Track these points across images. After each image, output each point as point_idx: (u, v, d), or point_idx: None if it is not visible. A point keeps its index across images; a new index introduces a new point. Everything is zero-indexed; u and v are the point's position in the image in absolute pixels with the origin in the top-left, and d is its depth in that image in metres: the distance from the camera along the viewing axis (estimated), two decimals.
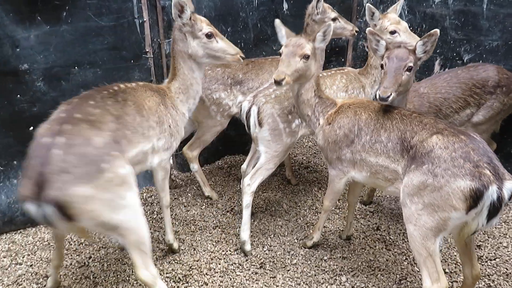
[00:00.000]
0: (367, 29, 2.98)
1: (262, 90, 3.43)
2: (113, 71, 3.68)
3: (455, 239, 2.55)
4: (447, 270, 3.16)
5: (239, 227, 3.61)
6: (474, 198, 2.22)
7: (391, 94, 2.64)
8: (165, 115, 2.86)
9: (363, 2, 5.08)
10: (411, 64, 2.76)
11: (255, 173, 3.37)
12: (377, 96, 2.69)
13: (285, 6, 4.57)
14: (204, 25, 2.95)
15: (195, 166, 3.92)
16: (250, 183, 3.34)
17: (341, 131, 2.84)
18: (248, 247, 3.34)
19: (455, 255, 3.29)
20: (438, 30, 2.80)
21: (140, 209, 2.32)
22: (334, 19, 3.76)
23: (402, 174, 2.57)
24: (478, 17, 4.05)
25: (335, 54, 5.11)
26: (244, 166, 3.72)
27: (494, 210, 2.24)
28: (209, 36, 2.94)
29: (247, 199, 3.34)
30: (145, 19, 3.71)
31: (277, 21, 3.04)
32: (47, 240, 3.47)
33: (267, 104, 3.29)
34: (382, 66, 2.84)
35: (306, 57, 2.79)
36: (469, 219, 2.31)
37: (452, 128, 2.51)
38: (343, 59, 5.26)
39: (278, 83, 2.69)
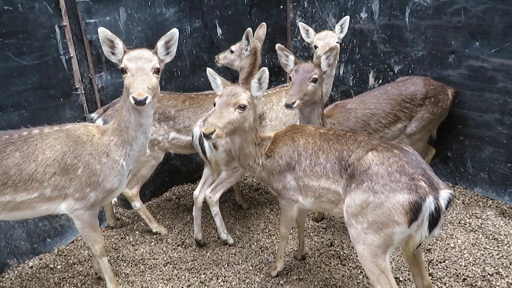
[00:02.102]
0: (277, 45, 3.15)
1: (211, 113, 3.37)
2: (41, 111, 3.47)
3: (403, 253, 2.56)
4: (401, 278, 3.19)
5: (191, 261, 3.51)
6: (414, 211, 2.24)
7: (295, 101, 2.88)
8: (72, 165, 2.62)
9: (296, 22, 5.22)
10: (316, 76, 2.99)
11: (216, 186, 3.49)
12: (283, 103, 2.90)
13: (219, 31, 4.58)
14: (124, 59, 2.53)
15: (137, 204, 3.75)
16: (212, 195, 3.48)
17: (283, 160, 2.80)
18: (231, 241, 3.69)
19: None
20: (338, 45, 3.19)
21: None
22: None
23: (343, 194, 2.54)
24: (402, 29, 4.27)
25: (274, 74, 5.18)
26: (196, 192, 3.64)
27: (434, 220, 2.27)
28: (122, 71, 2.54)
29: (214, 209, 3.54)
30: (72, 55, 3.56)
31: (210, 70, 2.84)
32: None
33: None
34: (290, 78, 3.04)
35: (242, 107, 2.63)
36: (412, 232, 2.33)
37: (386, 143, 2.55)
38: (282, 78, 5.34)
39: (206, 136, 2.53)
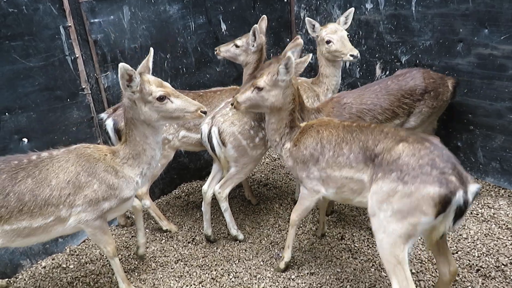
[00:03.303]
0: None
1: (218, 110, 3.42)
2: (48, 112, 3.49)
3: (427, 243, 2.58)
4: (413, 271, 3.16)
5: (202, 258, 3.52)
6: (443, 204, 2.27)
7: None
8: (87, 183, 2.66)
9: (301, 15, 5.18)
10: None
11: (225, 182, 3.50)
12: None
13: (223, 26, 4.56)
14: (154, 88, 2.62)
15: (146, 202, 3.75)
16: (221, 191, 3.49)
17: (307, 151, 2.88)
18: (241, 237, 3.70)
19: (420, 254, 3.32)
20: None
21: None
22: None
23: (368, 183, 2.59)
24: (409, 19, 4.21)
25: None
26: (205, 187, 3.64)
27: (460, 212, 2.32)
28: (161, 98, 2.62)
29: (223, 205, 3.56)
30: (77, 55, 3.56)
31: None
32: None
33: (226, 123, 3.31)
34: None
35: (258, 88, 2.88)
36: (437, 223, 2.36)
37: (415, 134, 2.56)
38: None
39: (231, 105, 3.02)
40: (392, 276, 2.43)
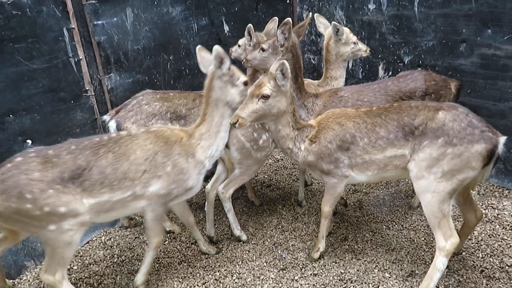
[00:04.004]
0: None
1: None
2: (52, 114, 3.50)
3: (459, 195, 2.89)
4: (417, 271, 3.16)
5: (206, 259, 3.53)
6: (489, 157, 2.61)
7: (237, 120, 2.84)
8: (162, 164, 2.81)
9: (303, 16, 5.19)
10: (264, 46, 3.43)
11: (228, 183, 3.51)
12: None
13: (226, 28, 4.57)
14: (241, 74, 2.96)
15: None
16: (224, 191, 3.50)
17: (333, 144, 2.97)
18: (244, 237, 3.71)
19: (424, 255, 3.31)
20: (290, 19, 3.27)
21: None
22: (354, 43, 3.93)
23: (409, 155, 2.80)
24: (411, 19, 4.21)
25: None
26: (208, 186, 3.65)
27: (496, 161, 2.69)
28: (246, 84, 2.95)
29: (226, 205, 3.57)
30: (80, 57, 3.57)
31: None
32: None
33: None
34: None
35: (265, 97, 2.85)
36: (479, 175, 2.70)
37: (445, 103, 2.85)
38: None
39: (232, 125, 2.84)
40: (436, 230, 2.73)
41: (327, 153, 2.99)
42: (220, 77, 2.88)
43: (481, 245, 3.35)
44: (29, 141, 3.42)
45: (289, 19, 3.27)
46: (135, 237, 3.88)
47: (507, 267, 3.11)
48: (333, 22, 3.81)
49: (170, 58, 4.18)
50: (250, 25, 3.75)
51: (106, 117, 3.59)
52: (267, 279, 3.24)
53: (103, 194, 2.67)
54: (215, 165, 3.79)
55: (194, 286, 3.22)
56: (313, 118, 3.40)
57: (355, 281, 3.13)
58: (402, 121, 2.81)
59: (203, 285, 3.23)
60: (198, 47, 3.05)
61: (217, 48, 2.75)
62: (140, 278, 3.11)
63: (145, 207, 2.87)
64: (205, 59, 3.00)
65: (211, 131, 2.95)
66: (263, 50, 3.46)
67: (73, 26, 3.49)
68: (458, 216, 3.74)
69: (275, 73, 2.84)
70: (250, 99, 2.85)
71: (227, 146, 3.36)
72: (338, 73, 3.90)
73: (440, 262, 2.75)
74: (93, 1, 3.57)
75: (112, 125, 3.50)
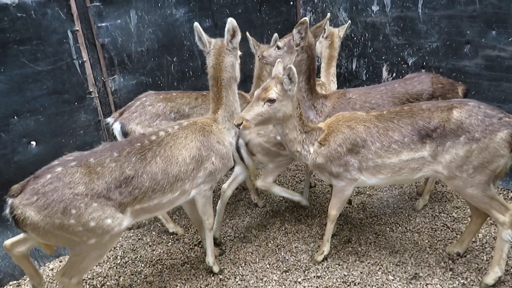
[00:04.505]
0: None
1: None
2: (56, 116, 3.53)
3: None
4: (421, 274, 3.14)
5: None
6: None
7: (242, 122, 2.93)
8: (206, 156, 2.91)
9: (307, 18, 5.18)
10: (280, 44, 3.41)
11: (266, 176, 3.54)
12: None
13: None
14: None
15: None
16: (264, 183, 3.53)
17: (343, 148, 2.96)
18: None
19: (427, 258, 3.29)
20: (307, 19, 3.23)
21: None
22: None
23: (429, 157, 2.81)
24: (415, 21, 4.19)
25: None
26: (225, 185, 3.68)
27: None
28: (240, 57, 3.06)
29: (276, 190, 3.59)
30: (85, 59, 3.60)
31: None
32: None
33: (252, 135, 3.41)
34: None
35: (271, 100, 2.82)
36: (508, 159, 2.73)
37: (452, 101, 2.88)
38: None
39: (237, 126, 2.84)
40: (490, 210, 2.81)
41: (337, 156, 2.98)
42: (231, 51, 2.93)
43: (486, 248, 3.33)
44: (33, 143, 3.44)
45: (306, 18, 3.24)
46: (138, 239, 3.89)
47: (511, 270, 3.09)
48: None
49: (174, 60, 4.19)
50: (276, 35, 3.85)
51: (110, 120, 3.59)
52: (270, 281, 3.23)
53: (154, 199, 2.66)
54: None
55: None
56: (322, 119, 3.41)
57: (358, 284, 3.12)
58: (416, 125, 2.82)
59: (206, 287, 3.23)
60: (196, 23, 3.00)
61: (232, 20, 2.77)
62: (210, 259, 3.26)
63: (195, 196, 2.96)
64: (204, 36, 2.99)
65: (229, 112, 3.04)
66: (278, 48, 3.42)
67: (77, 28, 3.52)
68: (462, 218, 3.72)
69: (282, 77, 2.83)
70: (256, 102, 2.84)
71: (252, 154, 3.45)
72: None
73: (506, 234, 2.80)
74: (97, 3, 3.59)
75: (116, 127, 3.51)
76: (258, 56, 3.65)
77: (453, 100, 2.90)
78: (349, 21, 3.90)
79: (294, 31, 3.24)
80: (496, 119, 2.66)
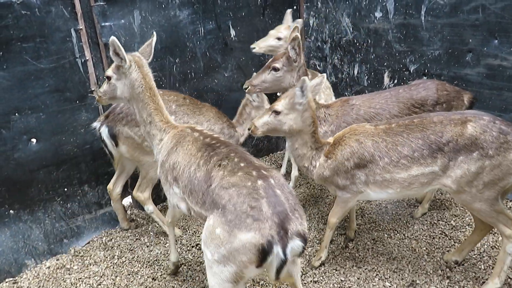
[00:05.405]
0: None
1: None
2: (57, 114, 3.53)
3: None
4: (418, 281, 3.13)
5: None
6: None
7: (248, 86, 3.34)
8: None
9: (310, 23, 5.20)
10: (277, 65, 3.29)
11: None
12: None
13: (233, 32, 4.58)
14: None
15: (150, 207, 3.76)
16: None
17: (350, 162, 2.94)
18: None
19: (425, 265, 3.29)
20: (298, 34, 3.20)
21: None
22: None
23: (440, 171, 2.77)
24: (418, 28, 4.20)
25: None
26: None
27: None
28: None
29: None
30: (87, 58, 3.61)
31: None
32: None
33: None
34: None
35: (276, 112, 2.88)
36: None
37: (466, 113, 2.84)
38: None
39: (248, 130, 3.03)
40: (497, 224, 2.79)
41: (343, 169, 2.97)
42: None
43: (483, 257, 3.32)
44: (34, 140, 3.44)
45: (297, 34, 3.19)
46: (136, 239, 3.89)
47: (509, 279, 3.07)
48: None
49: (176, 61, 4.20)
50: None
51: (96, 124, 3.55)
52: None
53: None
54: None
55: None
56: (326, 127, 3.41)
57: None
58: (428, 139, 2.76)
59: None
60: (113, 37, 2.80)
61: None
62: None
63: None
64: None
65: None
66: (276, 70, 3.32)
67: (81, 27, 3.53)
68: (461, 226, 3.72)
69: (294, 91, 2.84)
70: (267, 111, 2.95)
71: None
72: None
73: (510, 247, 2.80)
74: (102, 3, 3.60)
75: (104, 130, 3.47)
76: (246, 88, 3.45)
77: (467, 113, 2.85)
78: (324, 75, 3.33)
79: (289, 47, 3.25)
80: (511, 136, 2.63)
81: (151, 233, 3.96)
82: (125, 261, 3.57)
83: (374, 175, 2.90)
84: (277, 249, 2.07)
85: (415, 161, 2.79)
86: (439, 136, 2.73)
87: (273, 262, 2.12)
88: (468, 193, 2.73)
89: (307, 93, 2.81)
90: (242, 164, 2.34)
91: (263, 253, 2.06)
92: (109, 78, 2.87)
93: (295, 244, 2.11)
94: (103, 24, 3.63)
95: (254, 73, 4.03)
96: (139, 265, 3.53)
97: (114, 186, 3.80)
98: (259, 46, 4.01)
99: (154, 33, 3.10)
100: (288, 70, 3.32)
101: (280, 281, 2.23)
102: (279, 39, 3.99)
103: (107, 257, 3.63)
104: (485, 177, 2.66)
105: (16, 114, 3.32)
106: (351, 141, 2.95)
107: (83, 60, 3.59)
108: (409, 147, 2.79)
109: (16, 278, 3.44)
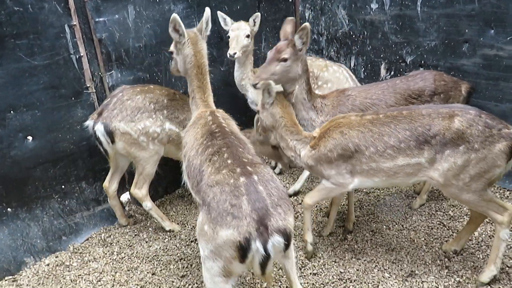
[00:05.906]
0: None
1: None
2: (53, 111, 3.51)
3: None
4: (417, 272, 3.14)
5: None
6: (511, 152, 2.68)
7: (258, 82, 3.19)
8: None
9: (305, 15, 5.18)
10: (286, 56, 3.21)
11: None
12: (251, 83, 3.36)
13: None
14: None
15: (148, 204, 3.74)
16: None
17: (333, 153, 2.98)
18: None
19: (424, 255, 3.30)
20: (308, 24, 3.15)
21: None
22: None
23: (426, 163, 2.80)
24: (414, 19, 4.19)
25: None
26: None
27: None
28: None
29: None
30: (82, 54, 3.58)
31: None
32: None
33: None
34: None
35: (284, 60, 3.19)
36: (508, 166, 2.75)
37: (455, 106, 2.87)
38: None
39: (253, 86, 3.25)
40: (488, 212, 2.83)
41: (327, 160, 3.02)
42: (204, 39, 3.28)
43: (481, 246, 3.34)
44: (30, 138, 3.42)
45: (307, 24, 3.15)
46: (135, 235, 3.89)
47: (507, 268, 3.09)
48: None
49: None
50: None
51: (89, 122, 3.51)
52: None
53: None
54: None
55: (193, 284, 3.22)
56: (323, 118, 3.43)
57: (354, 281, 3.13)
58: (415, 131, 2.79)
59: (202, 283, 3.22)
60: (175, 15, 3.06)
61: (208, 9, 3.17)
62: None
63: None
64: (182, 26, 3.07)
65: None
66: (285, 60, 3.23)
67: (74, 23, 3.49)
68: (458, 216, 3.73)
69: (294, 39, 3.11)
70: (270, 63, 3.24)
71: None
72: None
73: (504, 233, 2.84)
74: None
75: (99, 128, 3.43)
76: (255, 85, 3.25)
77: (454, 106, 2.88)
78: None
79: (296, 37, 3.20)
80: (496, 130, 2.67)
81: (150, 229, 3.96)
82: (124, 257, 3.58)
83: (361, 164, 2.94)
84: (256, 246, 2.11)
85: (401, 152, 2.82)
86: (426, 129, 2.77)
87: (255, 258, 2.16)
88: (456, 186, 2.78)
89: (307, 40, 3.12)
90: (229, 161, 2.39)
91: (243, 250, 2.11)
92: (171, 53, 3.21)
93: (275, 240, 2.14)
94: (97, 19, 3.60)
95: (256, 68, 4.00)
96: (139, 261, 3.53)
97: (110, 184, 3.79)
98: (238, 50, 3.89)
99: (207, 8, 3.26)
100: (294, 59, 3.27)
101: (266, 277, 2.26)
102: (248, 36, 3.95)
103: (106, 254, 3.63)
104: (471, 170, 2.71)
105: (11, 111, 3.30)
106: (334, 133, 3.00)
107: (77, 56, 3.56)
108: (396, 137, 2.83)
109: (16, 276, 3.43)
